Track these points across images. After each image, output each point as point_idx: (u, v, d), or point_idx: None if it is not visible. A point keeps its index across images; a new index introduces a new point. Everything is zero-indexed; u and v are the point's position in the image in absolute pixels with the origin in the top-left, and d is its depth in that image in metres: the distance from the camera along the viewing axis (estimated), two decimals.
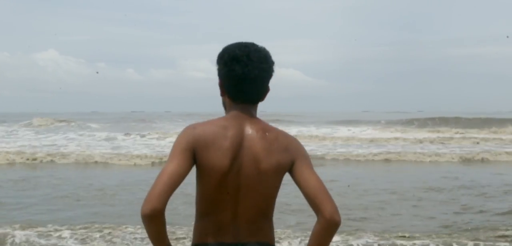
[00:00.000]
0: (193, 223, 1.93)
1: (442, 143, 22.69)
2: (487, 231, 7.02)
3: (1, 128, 32.40)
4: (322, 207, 1.75)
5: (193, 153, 1.78)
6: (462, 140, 23.64)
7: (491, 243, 6.48)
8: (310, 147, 19.71)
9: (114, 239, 6.56)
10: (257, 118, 1.90)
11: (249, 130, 1.84)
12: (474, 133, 26.52)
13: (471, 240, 6.54)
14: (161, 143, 22.48)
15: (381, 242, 6.51)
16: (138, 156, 16.81)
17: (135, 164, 15.65)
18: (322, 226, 1.75)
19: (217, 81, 1.93)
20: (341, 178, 12.02)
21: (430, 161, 16.77)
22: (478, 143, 22.74)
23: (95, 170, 14.31)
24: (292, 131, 27.28)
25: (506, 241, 6.56)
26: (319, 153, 17.97)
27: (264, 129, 1.86)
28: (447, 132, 27.54)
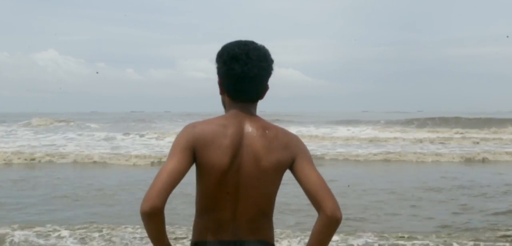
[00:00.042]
0: (193, 220, 1.93)
1: (441, 143, 22.69)
2: (487, 231, 7.00)
3: (0, 128, 32.39)
4: (323, 204, 1.75)
5: (193, 151, 1.78)
6: (461, 140, 23.64)
7: (491, 243, 6.47)
8: (309, 147, 19.52)
9: (113, 239, 6.55)
10: (257, 117, 1.89)
11: (249, 128, 1.83)
12: (474, 133, 26.50)
13: (471, 240, 6.53)
14: (160, 143, 22.47)
15: (381, 242, 6.50)
16: (137, 156, 16.79)
17: (134, 164, 15.63)
18: (324, 222, 1.75)
19: (217, 81, 1.92)
20: (340, 178, 12.00)
21: (429, 161, 16.75)
22: (478, 142, 22.74)
23: (94, 170, 14.29)
24: (291, 130, 27.02)
25: (507, 241, 6.54)
26: (318, 153, 17.95)
27: (264, 126, 1.85)
28: (446, 132, 27.52)
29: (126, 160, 16.11)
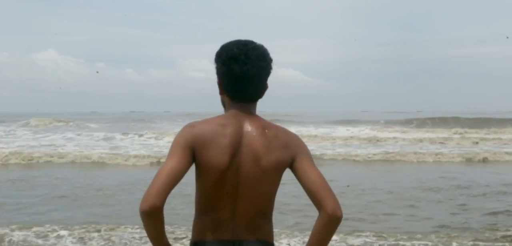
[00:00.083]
0: (192, 220, 1.93)
1: (441, 143, 22.69)
2: (486, 231, 7.00)
3: None
4: (324, 203, 1.75)
5: (192, 151, 1.78)
6: (461, 140, 23.64)
7: (490, 243, 6.46)
8: (309, 147, 19.61)
9: (112, 239, 6.54)
10: (257, 116, 1.89)
11: (248, 128, 1.83)
12: (474, 133, 26.49)
13: (470, 241, 6.53)
14: (159, 143, 22.45)
15: (380, 242, 6.50)
16: (135, 156, 16.76)
17: (133, 164, 15.61)
18: (324, 221, 1.75)
19: (216, 81, 1.92)
20: (339, 178, 12.00)
21: (429, 161, 16.75)
22: (477, 143, 22.75)
23: (92, 170, 14.27)
24: (291, 130, 27.13)
25: (506, 241, 6.54)
26: (318, 153, 17.94)
27: (264, 126, 1.85)
28: (446, 132, 27.52)
29: (125, 160, 16.09)
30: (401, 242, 6.49)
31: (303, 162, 1.83)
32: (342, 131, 29.80)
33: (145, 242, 6.28)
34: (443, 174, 12.94)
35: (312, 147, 19.70)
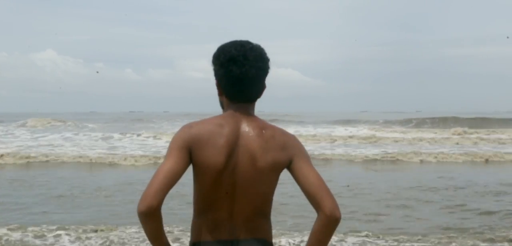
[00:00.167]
0: (190, 219, 1.93)
1: (440, 143, 22.70)
2: (485, 232, 6.99)
3: None
4: (322, 204, 1.74)
5: (189, 151, 1.78)
6: (460, 140, 23.66)
7: (489, 243, 6.45)
8: (308, 147, 19.56)
9: (111, 238, 6.52)
10: (254, 117, 1.89)
11: (245, 128, 1.83)
12: (472, 133, 26.52)
13: (470, 241, 6.52)
14: (158, 143, 22.44)
15: (378, 241, 6.48)
16: (133, 156, 16.74)
17: (131, 164, 15.58)
18: (323, 222, 1.74)
19: (214, 82, 1.92)
20: (338, 178, 12.00)
21: (427, 161, 16.75)
22: (476, 143, 22.76)
23: (90, 170, 14.24)
24: (290, 130, 27.06)
25: (505, 241, 6.53)
26: (316, 153, 17.94)
27: (261, 126, 1.85)
28: (445, 132, 27.55)
29: (124, 160, 16.06)
30: (401, 243, 6.47)
31: (301, 163, 1.82)
32: (341, 131, 29.81)
33: (143, 240, 6.27)
34: (442, 174, 12.94)
35: (311, 147, 19.72)
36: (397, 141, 23.57)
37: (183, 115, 58.28)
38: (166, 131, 29.17)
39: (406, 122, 36.89)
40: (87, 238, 6.55)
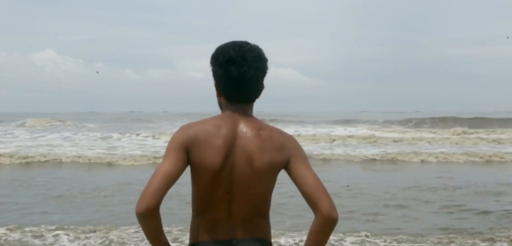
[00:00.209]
0: (190, 219, 1.94)
1: (439, 143, 22.70)
2: (484, 232, 6.99)
3: None
4: (319, 204, 1.75)
5: (187, 152, 1.79)
6: (459, 140, 23.66)
7: (488, 243, 6.45)
8: (307, 147, 19.66)
9: (109, 238, 6.52)
10: (252, 117, 1.89)
11: (243, 128, 1.84)
12: (472, 133, 26.53)
13: (469, 241, 6.52)
14: (157, 143, 22.43)
15: (377, 241, 6.48)
16: (132, 156, 16.73)
17: (130, 164, 15.57)
18: (320, 223, 1.75)
19: (213, 83, 1.93)
20: (337, 178, 12.00)
21: (427, 161, 16.75)
22: (475, 143, 22.76)
23: (89, 170, 14.24)
24: (289, 130, 27.13)
25: (505, 241, 6.53)
26: (316, 153, 17.94)
27: (258, 127, 1.85)
28: (444, 132, 27.55)
29: (123, 160, 16.05)
30: (400, 243, 6.47)
31: (298, 164, 1.83)
32: (340, 131, 29.81)
33: (142, 239, 6.27)
34: (441, 174, 12.94)
35: (310, 147, 19.73)
36: (396, 141, 23.57)
37: (183, 115, 58.26)
38: (165, 130, 29.15)
39: (405, 122, 36.89)
40: (86, 238, 6.55)
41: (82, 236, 6.62)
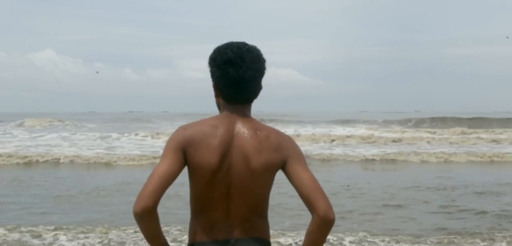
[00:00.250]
0: (189, 220, 1.94)
1: (438, 143, 22.70)
2: (483, 232, 6.99)
3: None
4: (316, 205, 1.75)
5: (184, 152, 1.80)
6: (459, 140, 23.66)
7: (487, 243, 6.45)
8: (306, 147, 19.67)
9: (109, 238, 6.52)
10: (250, 118, 1.90)
11: (240, 129, 1.84)
12: (471, 133, 26.54)
13: (468, 241, 6.52)
14: (156, 143, 22.41)
15: (376, 241, 6.48)
16: (131, 156, 16.72)
17: (129, 164, 15.56)
18: (317, 223, 1.75)
19: (211, 84, 1.94)
20: (336, 178, 11.99)
21: (426, 161, 16.75)
22: (475, 143, 22.77)
23: (88, 170, 14.23)
24: (289, 130, 27.22)
25: (503, 241, 6.53)
26: (315, 153, 17.94)
27: (255, 127, 1.86)
28: (444, 132, 27.56)
29: (122, 160, 16.04)
30: (399, 243, 6.47)
31: (295, 165, 1.83)
32: (339, 131, 29.81)
33: (141, 239, 6.26)
34: (440, 174, 12.95)
35: (309, 147, 19.73)
36: (395, 141, 23.57)
37: (182, 115, 58.22)
38: (165, 130, 29.14)
39: (405, 122, 36.88)
40: (86, 237, 6.54)
41: (81, 236, 6.61)
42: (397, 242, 6.50)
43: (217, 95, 1.92)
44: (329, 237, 6.22)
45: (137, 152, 18.21)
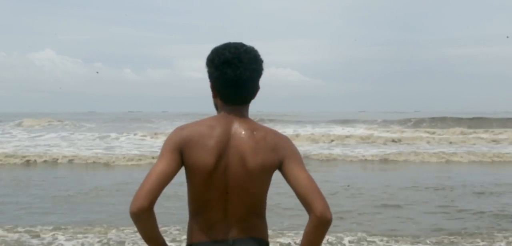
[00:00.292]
0: (187, 220, 1.93)
1: (438, 143, 22.71)
2: (483, 232, 6.99)
3: None
4: (313, 205, 1.75)
5: (181, 153, 1.81)
6: (458, 140, 23.66)
7: (487, 243, 6.45)
8: (305, 147, 19.67)
9: (109, 236, 6.51)
10: (247, 118, 1.90)
11: (237, 129, 1.85)
12: (471, 133, 26.54)
13: (467, 241, 6.51)
14: (155, 143, 22.39)
15: (374, 240, 6.48)
16: (130, 156, 16.70)
17: (128, 164, 15.55)
18: (314, 224, 1.75)
19: (209, 85, 1.94)
20: (336, 178, 11.98)
21: (426, 161, 16.75)
22: (474, 143, 22.77)
23: (87, 170, 14.22)
24: (288, 130, 27.21)
25: (502, 241, 6.52)
26: (314, 153, 17.93)
27: (253, 128, 1.86)
28: (443, 132, 27.57)
29: (120, 160, 16.03)
30: (398, 243, 6.46)
31: (292, 165, 1.83)
32: (339, 131, 29.80)
33: (140, 238, 6.24)
34: (440, 174, 12.95)
35: (309, 147, 19.73)
36: (395, 141, 23.57)
37: (182, 115, 58.23)
38: (164, 130, 29.13)
39: (404, 122, 36.88)
40: (84, 237, 6.53)
41: (80, 236, 6.60)
42: (396, 242, 6.50)
43: (215, 96, 1.93)
44: (328, 237, 6.21)
45: (136, 152, 18.20)
